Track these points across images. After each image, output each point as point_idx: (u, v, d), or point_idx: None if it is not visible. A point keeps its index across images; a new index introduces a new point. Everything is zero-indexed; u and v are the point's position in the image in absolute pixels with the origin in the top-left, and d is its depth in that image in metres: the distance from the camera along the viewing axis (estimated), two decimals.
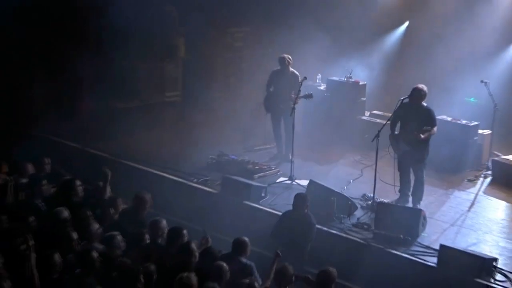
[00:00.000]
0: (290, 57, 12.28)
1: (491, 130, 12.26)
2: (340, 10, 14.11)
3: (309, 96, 11.70)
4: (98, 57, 12.64)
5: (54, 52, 12.16)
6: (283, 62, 12.23)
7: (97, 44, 12.45)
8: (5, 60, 12.19)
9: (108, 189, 9.69)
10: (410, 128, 10.42)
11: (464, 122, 12.28)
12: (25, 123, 13.14)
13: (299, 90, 11.67)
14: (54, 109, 13.09)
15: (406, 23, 14.91)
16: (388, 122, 10.65)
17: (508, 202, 11.38)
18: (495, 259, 8.83)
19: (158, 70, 15.13)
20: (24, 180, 10.15)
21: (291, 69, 12.26)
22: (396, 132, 10.63)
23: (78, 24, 12.25)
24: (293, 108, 11.54)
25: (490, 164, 12.27)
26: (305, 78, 11.82)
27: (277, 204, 10.59)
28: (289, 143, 12.06)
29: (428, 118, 10.43)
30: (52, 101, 13.13)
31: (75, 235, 7.90)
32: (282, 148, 12.71)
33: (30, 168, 10.41)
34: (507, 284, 8.55)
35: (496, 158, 12.31)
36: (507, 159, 12.18)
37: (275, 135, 12.79)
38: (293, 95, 11.82)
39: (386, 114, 11.63)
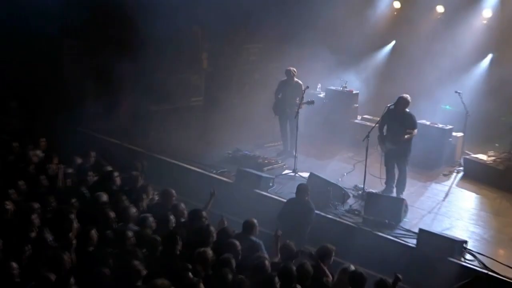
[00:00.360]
0: (295, 69, 12.36)
1: (463, 132, 12.33)
2: (339, 30, 14.13)
3: (311, 103, 11.74)
4: (136, 67, 12.72)
5: (102, 62, 12.16)
6: (289, 73, 12.34)
7: (136, 56, 12.49)
8: (61, 68, 12.16)
9: (142, 178, 9.84)
10: (395, 130, 10.54)
11: (440, 125, 12.34)
12: (75, 121, 13.25)
13: (302, 97, 11.74)
14: (100, 110, 13.25)
15: (393, 42, 14.98)
16: (377, 125, 10.77)
17: (477, 194, 11.49)
18: (465, 242, 9.00)
19: (185, 79, 15.16)
20: (71, 170, 10.20)
21: (295, 79, 12.32)
22: (383, 133, 10.68)
23: (122, 39, 12.33)
24: (297, 112, 11.62)
25: (462, 161, 12.38)
26: (307, 87, 11.88)
27: (283, 192, 10.70)
28: (293, 141, 12.13)
29: (410, 122, 10.54)
30: (98, 103, 13.22)
31: (112, 214, 7.99)
32: (287, 146, 12.76)
33: (78, 160, 10.51)
34: (475, 263, 8.65)
35: (467, 157, 12.38)
36: (477, 158, 12.27)
37: (282, 135, 12.89)
38: (297, 101, 11.88)
39: (375, 118, 11.70)
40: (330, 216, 9.98)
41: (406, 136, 10.46)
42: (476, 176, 11.96)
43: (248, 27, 14.24)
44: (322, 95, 13.97)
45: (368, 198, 10.27)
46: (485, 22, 13.80)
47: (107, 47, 12.07)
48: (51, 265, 6.42)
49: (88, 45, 12.24)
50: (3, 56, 12.80)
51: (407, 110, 10.61)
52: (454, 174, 12.13)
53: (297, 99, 11.94)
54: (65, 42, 12.60)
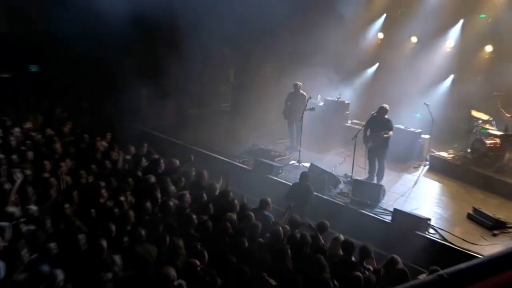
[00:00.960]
0: (301, 83, 12.45)
1: (429, 135, 12.28)
2: (336, 53, 14.09)
3: (312, 109, 11.78)
4: (180, 79, 12.74)
5: (153, 75, 12.17)
6: (296, 87, 12.42)
7: (180, 70, 12.51)
8: (123, 78, 12.17)
9: (179, 163, 9.86)
10: (377, 132, 10.60)
11: (412, 129, 12.32)
12: (133, 119, 13.32)
13: (306, 105, 11.80)
14: (151, 111, 13.31)
15: (377, 64, 14.95)
16: (363, 127, 10.83)
17: (439, 182, 11.52)
18: (429, 219, 9.11)
19: (216, 89, 15.26)
20: (129, 157, 10.32)
21: (301, 91, 12.39)
22: (367, 134, 10.71)
23: (169, 57, 12.22)
24: (302, 117, 11.69)
25: (428, 157, 12.33)
26: (310, 97, 12.04)
27: (289, 178, 10.74)
28: (298, 139, 12.20)
29: (388, 126, 10.57)
30: (150, 106, 13.28)
31: (158, 194, 8.17)
32: (294, 142, 12.77)
33: (134, 149, 10.56)
34: (436, 236, 8.75)
35: (432, 154, 12.37)
36: (440, 155, 12.32)
37: (289, 134, 12.92)
38: (302, 109, 11.88)
39: (361, 122, 11.72)
40: (325, 197, 10.06)
41: (384, 136, 10.48)
42: (439, 169, 11.96)
43: (264, 50, 14.21)
44: (321, 103, 13.90)
45: (355, 184, 10.33)
46: (448, 50, 13.76)
47: (157, 64, 12.02)
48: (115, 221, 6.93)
49: (144, 63, 12.16)
50: (79, 68, 12.90)
51: (386, 116, 10.63)
52: (422, 167, 12.08)
53: (302, 106, 11.94)
54: (127, 60, 12.58)
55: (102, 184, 8.38)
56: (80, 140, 10.93)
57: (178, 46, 12.12)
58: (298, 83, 12.46)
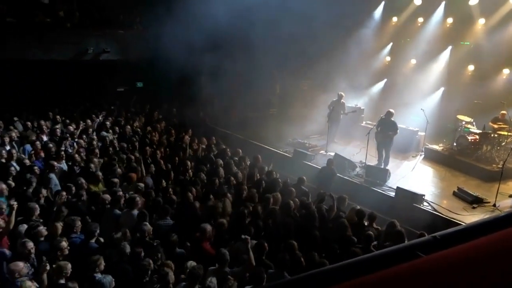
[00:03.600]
0: (343, 93, 12.16)
1: (424, 132, 11.87)
2: (355, 70, 13.80)
3: (354, 111, 12.12)
4: (241, 90, 12.78)
5: (222, 85, 12.12)
6: (339, 96, 12.11)
7: (242, 83, 12.57)
8: (200, 88, 12.26)
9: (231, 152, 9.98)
10: (384, 130, 10.42)
11: (411, 128, 12.05)
12: (207, 118, 13.58)
13: (345, 110, 12.03)
14: (220, 113, 13.48)
15: (385, 80, 14.52)
16: (374, 127, 10.63)
17: (432, 168, 11.25)
18: (424, 195, 8.92)
19: (267, 99, 15.23)
20: (204, 146, 10.46)
21: (342, 100, 12.14)
22: (378, 132, 10.54)
23: (235, 71, 12.08)
24: (340, 119, 11.98)
25: (423, 149, 11.99)
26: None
27: (318, 163, 10.65)
28: (335, 134, 12.34)
29: (394, 127, 10.40)
30: (219, 109, 13.45)
31: (222, 172, 8.40)
32: (332, 137, 12.26)
33: (205, 141, 10.72)
34: (429, 207, 8.57)
35: (427, 146, 12.01)
36: (432, 147, 11.98)
37: (329, 130, 12.04)
38: (341, 113, 11.92)
39: (373, 123, 11.43)
40: (345, 178, 10.00)
41: (390, 133, 10.31)
42: (432, 158, 11.66)
43: (302, 68, 14.10)
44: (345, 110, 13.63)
45: (367, 168, 10.20)
46: (439, 69, 13.37)
47: (226, 77, 12.07)
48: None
49: (215, 79, 12.27)
50: (170, 84, 13.19)
51: (392, 119, 10.43)
52: (418, 156, 11.74)
53: (342, 111, 11.96)
54: (202, 78, 12.76)
55: (188, 165, 8.66)
56: (170, 134, 11.25)
57: (240, 67, 12.04)
58: (341, 93, 12.14)
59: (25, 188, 6.70)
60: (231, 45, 12.18)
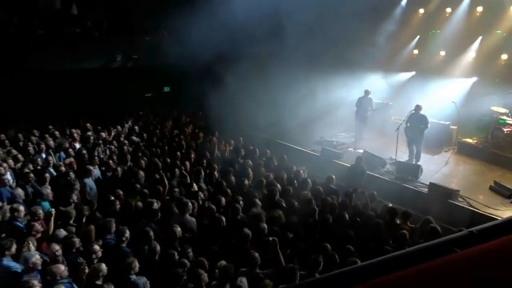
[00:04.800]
0: (369, 89, 12.10)
1: (457, 126, 11.61)
2: (383, 64, 13.56)
3: (385, 105, 12.16)
4: (268, 91, 12.62)
5: (251, 88, 12.08)
6: (366, 92, 12.06)
7: (267, 86, 12.51)
8: (226, 89, 12.24)
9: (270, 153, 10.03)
10: (415, 125, 10.23)
11: (442, 122, 11.70)
12: (232, 122, 13.58)
13: (372, 106, 12.00)
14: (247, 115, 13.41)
15: (413, 73, 14.07)
16: (403, 122, 10.42)
17: (465, 162, 10.92)
18: (458, 190, 8.65)
19: (293, 98, 14.81)
20: (231, 148, 10.61)
21: (369, 96, 12.03)
22: (407, 127, 10.34)
23: (263, 76, 12.23)
24: (368, 115, 11.93)
25: (456, 143, 11.66)
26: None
27: (347, 161, 10.51)
28: (364, 131, 12.22)
29: (424, 120, 10.16)
30: (245, 111, 13.40)
31: (251, 172, 8.47)
32: (361, 134, 12.18)
33: (232, 143, 10.84)
34: (464, 203, 8.34)
35: (459, 140, 11.67)
36: (466, 141, 11.61)
37: (357, 127, 12.09)
38: (369, 109, 11.88)
39: (401, 117, 11.06)
40: (375, 175, 9.86)
41: (421, 126, 10.14)
42: (465, 152, 11.30)
43: (330, 65, 13.66)
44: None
45: (398, 164, 10.04)
46: (471, 59, 12.94)
47: (251, 77, 12.05)
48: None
49: (241, 81, 12.22)
50: (196, 88, 13.29)
51: (422, 112, 10.20)
52: (451, 150, 11.44)
53: (369, 107, 11.89)
54: (228, 80, 12.76)
55: (216, 166, 8.77)
56: (197, 137, 11.40)
57: (269, 71, 12.05)
58: (368, 89, 12.05)
59: (62, 193, 6.95)
60: (257, 46, 12.14)
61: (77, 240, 5.25)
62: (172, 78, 14.37)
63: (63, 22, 12.81)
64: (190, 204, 6.40)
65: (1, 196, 6.56)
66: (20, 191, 6.73)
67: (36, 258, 4.70)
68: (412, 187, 9.16)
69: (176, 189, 7.41)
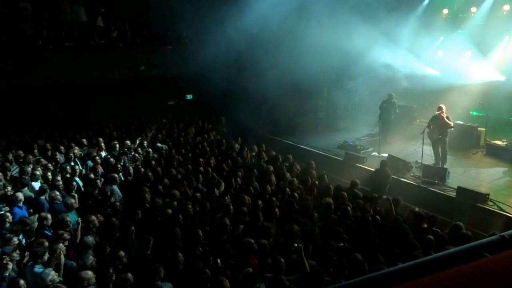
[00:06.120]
0: (393, 94, 11.98)
1: (485, 128, 11.30)
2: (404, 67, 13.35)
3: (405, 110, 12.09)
4: (290, 96, 12.50)
5: (272, 93, 12.07)
6: (390, 95, 11.95)
7: (290, 91, 12.43)
8: (248, 97, 12.19)
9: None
10: (438, 127, 10.01)
11: (469, 124, 11.48)
12: (255, 128, 13.63)
13: (396, 109, 11.88)
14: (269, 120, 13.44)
15: (437, 74, 13.76)
16: (427, 125, 10.22)
17: (494, 166, 10.59)
18: (488, 194, 8.39)
19: (317, 104, 14.79)
20: (254, 154, 10.58)
21: (393, 100, 11.92)
22: (431, 129, 10.13)
23: (286, 81, 12.16)
24: (393, 118, 11.74)
25: (485, 145, 11.33)
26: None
27: (372, 165, 10.38)
28: (387, 134, 12.05)
29: (446, 122, 9.94)
30: (268, 116, 13.44)
31: (274, 178, 8.40)
32: (386, 137, 12.07)
33: (255, 149, 10.81)
34: (494, 208, 8.08)
35: (488, 142, 11.34)
36: (494, 143, 11.25)
37: (382, 129, 12.00)
38: (393, 112, 11.80)
39: (426, 121, 10.84)
40: (401, 179, 9.66)
41: (443, 128, 9.95)
42: (494, 154, 10.97)
43: (350, 72, 13.62)
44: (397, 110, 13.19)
45: (424, 168, 9.81)
46: (498, 59, 12.54)
47: (272, 83, 12.04)
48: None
49: (262, 88, 12.21)
50: (217, 96, 13.35)
51: (444, 114, 9.98)
52: (480, 153, 11.17)
53: (393, 110, 11.82)
54: (249, 86, 12.82)
55: (240, 172, 8.77)
56: (221, 143, 11.45)
57: (287, 73, 11.97)
58: (392, 93, 11.95)
59: (90, 201, 7.13)
60: (278, 51, 12.15)
61: (108, 249, 5.35)
62: (195, 86, 14.50)
63: (89, 34, 13.17)
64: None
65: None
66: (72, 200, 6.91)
67: (52, 274, 4.73)
68: (439, 191, 8.94)
69: (198, 195, 7.46)
